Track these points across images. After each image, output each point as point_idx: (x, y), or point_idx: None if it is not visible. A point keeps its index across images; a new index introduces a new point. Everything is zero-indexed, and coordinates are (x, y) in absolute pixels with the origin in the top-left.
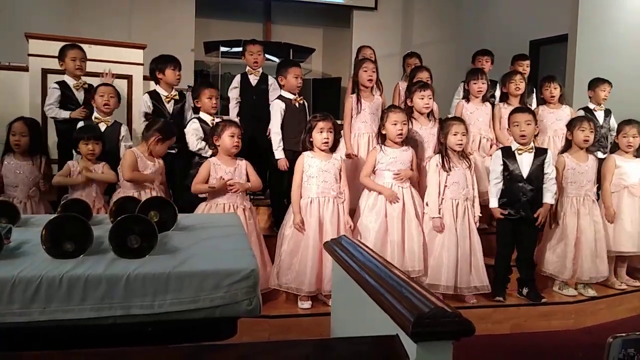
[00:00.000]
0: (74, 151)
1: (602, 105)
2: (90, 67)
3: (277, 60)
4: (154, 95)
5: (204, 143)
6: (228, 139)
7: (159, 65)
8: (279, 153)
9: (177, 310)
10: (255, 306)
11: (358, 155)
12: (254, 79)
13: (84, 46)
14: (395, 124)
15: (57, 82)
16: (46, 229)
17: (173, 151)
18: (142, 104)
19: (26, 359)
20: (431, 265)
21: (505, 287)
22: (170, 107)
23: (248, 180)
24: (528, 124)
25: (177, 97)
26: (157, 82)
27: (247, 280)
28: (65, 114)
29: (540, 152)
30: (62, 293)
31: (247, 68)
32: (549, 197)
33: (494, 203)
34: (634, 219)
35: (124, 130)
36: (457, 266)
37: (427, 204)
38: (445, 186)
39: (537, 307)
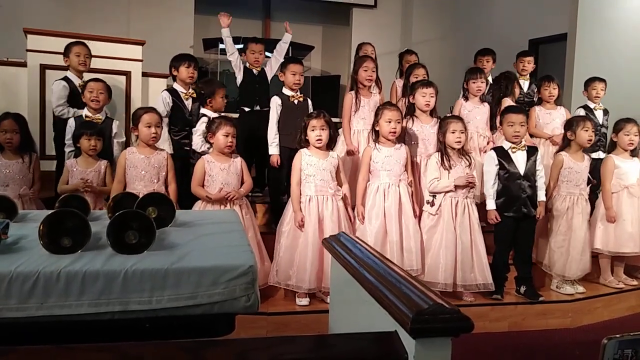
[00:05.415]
0: (66, 149)
1: (599, 104)
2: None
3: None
4: (172, 92)
5: (208, 145)
6: (222, 138)
7: (174, 62)
8: (272, 149)
9: (175, 306)
10: (254, 302)
11: (358, 152)
12: (255, 72)
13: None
14: (389, 122)
15: (62, 79)
16: (44, 224)
17: (187, 148)
18: (160, 101)
19: (23, 354)
20: (428, 263)
21: (503, 285)
22: (189, 104)
23: (242, 178)
24: (522, 125)
25: (194, 95)
26: (174, 79)
27: (245, 276)
28: (80, 112)
29: (532, 150)
30: (59, 288)
31: (248, 64)
32: (542, 195)
33: (491, 205)
34: (634, 219)
35: (115, 126)
36: (456, 264)
37: (430, 193)
38: None
39: (534, 305)
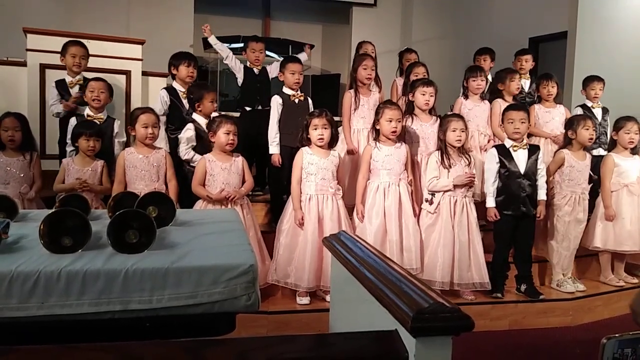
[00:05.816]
0: (67, 149)
1: (598, 102)
2: (89, 62)
3: (275, 56)
4: (171, 91)
5: (192, 153)
6: (223, 136)
7: (174, 60)
8: (273, 148)
9: (175, 305)
10: (254, 302)
11: (358, 151)
12: (256, 72)
13: (83, 41)
14: (390, 121)
15: (56, 82)
16: (44, 223)
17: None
18: (159, 100)
19: (24, 353)
20: (426, 262)
21: (503, 283)
22: (187, 103)
23: (244, 178)
24: (522, 122)
25: None
26: (174, 77)
27: (245, 275)
28: (60, 107)
29: (534, 149)
30: (60, 288)
31: (248, 63)
32: (542, 194)
33: (491, 203)
34: (634, 217)
35: (117, 126)
36: (454, 263)
37: (429, 192)
38: None
39: (535, 303)
